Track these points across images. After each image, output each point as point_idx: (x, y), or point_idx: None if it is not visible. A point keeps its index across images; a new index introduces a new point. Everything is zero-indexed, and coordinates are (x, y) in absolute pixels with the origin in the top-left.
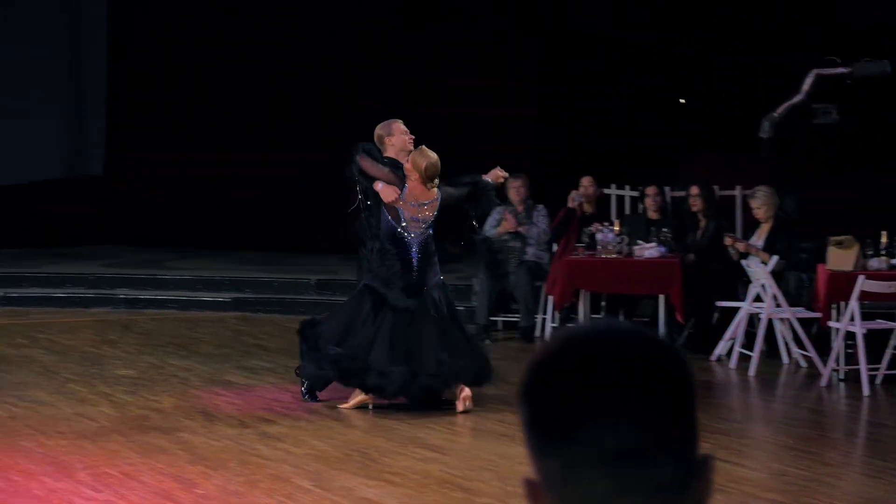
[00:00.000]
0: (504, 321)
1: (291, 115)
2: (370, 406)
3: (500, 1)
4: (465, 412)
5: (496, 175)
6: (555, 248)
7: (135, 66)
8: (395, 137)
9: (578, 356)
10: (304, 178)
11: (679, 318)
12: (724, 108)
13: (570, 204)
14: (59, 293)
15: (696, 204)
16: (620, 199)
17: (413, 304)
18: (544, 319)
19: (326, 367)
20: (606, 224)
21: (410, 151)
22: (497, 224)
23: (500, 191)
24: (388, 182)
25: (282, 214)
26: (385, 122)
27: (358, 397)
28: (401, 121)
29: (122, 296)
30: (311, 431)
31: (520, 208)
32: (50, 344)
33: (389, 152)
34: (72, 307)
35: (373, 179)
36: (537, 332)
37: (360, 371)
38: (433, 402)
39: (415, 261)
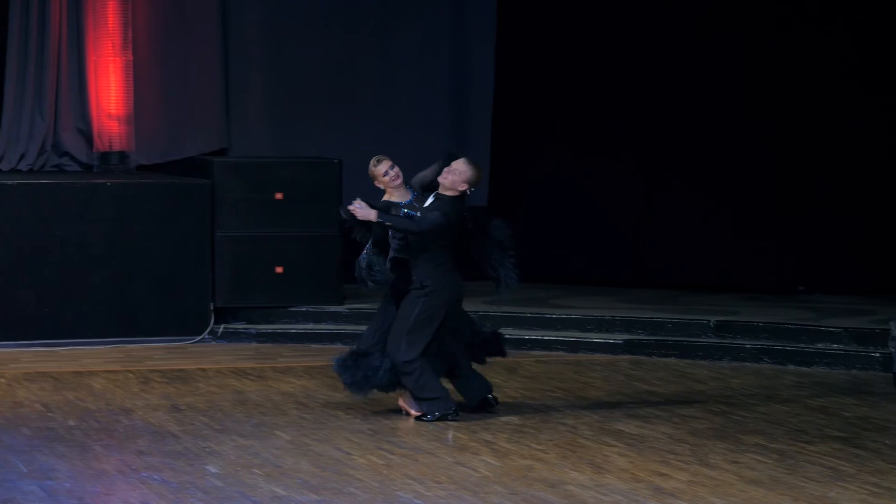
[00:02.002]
0: None
1: (683, 142)
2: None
3: None
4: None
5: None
6: None
7: (520, 91)
8: None
9: None
10: (697, 209)
11: None
12: None
13: None
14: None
15: None
16: None
17: None
18: None
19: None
20: None
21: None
22: None
23: None
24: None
25: (674, 249)
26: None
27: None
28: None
29: (506, 335)
30: (710, 487)
31: None
32: None
33: None
34: None
35: None
36: None
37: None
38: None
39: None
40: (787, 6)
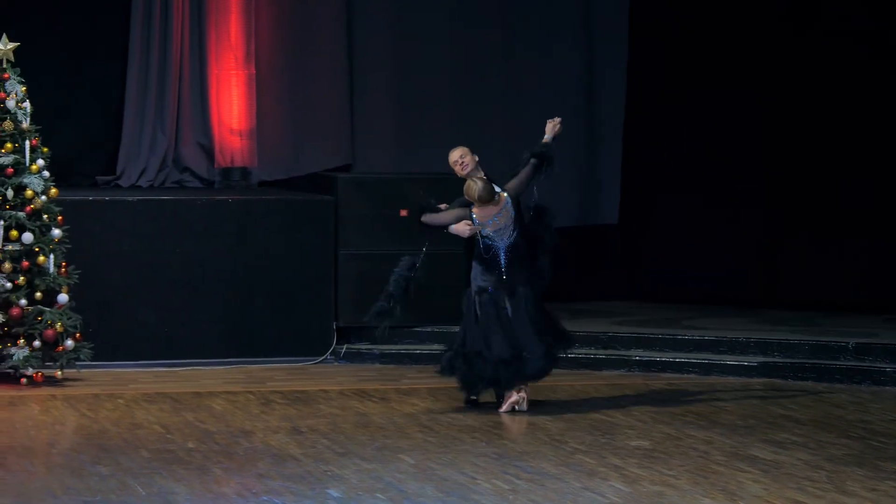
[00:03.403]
0: None
1: (820, 160)
2: (517, 408)
3: None
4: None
5: (553, 125)
6: None
7: (652, 106)
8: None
9: None
10: (834, 227)
11: None
12: None
13: None
14: (568, 353)
15: None
16: None
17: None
18: None
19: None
20: None
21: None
22: None
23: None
24: (456, 220)
25: (811, 268)
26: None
27: (509, 399)
28: (458, 150)
29: (636, 357)
30: None
31: None
32: (556, 409)
33: None
34: (581, 369)
35: (445, 227)
36: None
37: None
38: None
39: (503, 263)
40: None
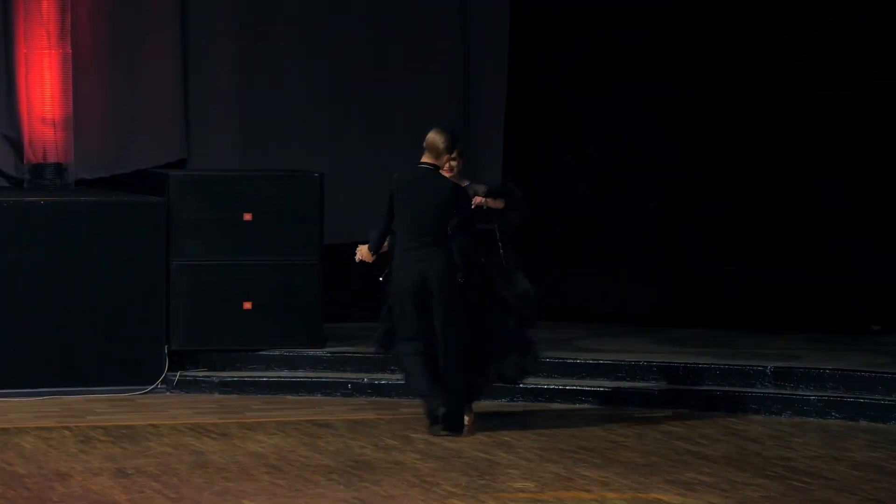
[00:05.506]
0: None
1: (731, 159)
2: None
3: None
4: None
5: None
6: None
7: (537, 102)
8: None
9: None
10: (750, 235)
11: None
12: None
13: None
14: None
15: None
16: None
17: None
18: None
19: None
20: None
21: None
22: None
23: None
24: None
25: (723, 281)
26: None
27: None
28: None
29: (520, 385)
30: None
31: None
32: (427, 446)
33: None
34: None
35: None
36: None
37: None
38: None
39: None
40: None
